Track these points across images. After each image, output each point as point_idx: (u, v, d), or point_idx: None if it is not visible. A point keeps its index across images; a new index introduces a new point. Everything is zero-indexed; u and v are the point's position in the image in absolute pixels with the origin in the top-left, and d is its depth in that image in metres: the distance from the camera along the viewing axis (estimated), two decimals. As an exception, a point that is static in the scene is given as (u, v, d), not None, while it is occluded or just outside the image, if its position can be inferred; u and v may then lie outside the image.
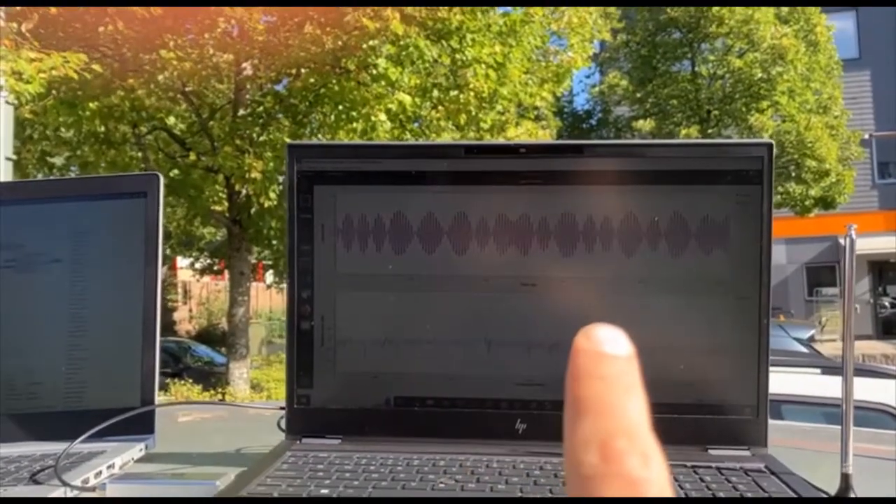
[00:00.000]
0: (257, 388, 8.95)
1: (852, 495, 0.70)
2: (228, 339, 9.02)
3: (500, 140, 7.42)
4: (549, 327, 0.86)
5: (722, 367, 0.85)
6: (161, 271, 0.98)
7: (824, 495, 0.71)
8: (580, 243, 0.86)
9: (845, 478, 0.71)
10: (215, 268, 16.12)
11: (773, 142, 0.85)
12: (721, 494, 0.69)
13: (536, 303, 0.86)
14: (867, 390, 3.04)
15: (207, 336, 16.24)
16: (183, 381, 9.63)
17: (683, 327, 0.85)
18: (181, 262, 17.66)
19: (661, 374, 0.85)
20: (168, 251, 15.43)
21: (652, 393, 0.80)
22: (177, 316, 18.46)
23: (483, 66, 7.54)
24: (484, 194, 0.87)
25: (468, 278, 0.87)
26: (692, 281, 0.85)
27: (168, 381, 9.89)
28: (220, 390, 8.12)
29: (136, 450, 0.89)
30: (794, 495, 0.69)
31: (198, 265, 16.39)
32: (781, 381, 3.09)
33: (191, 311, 19.14)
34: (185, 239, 13.40)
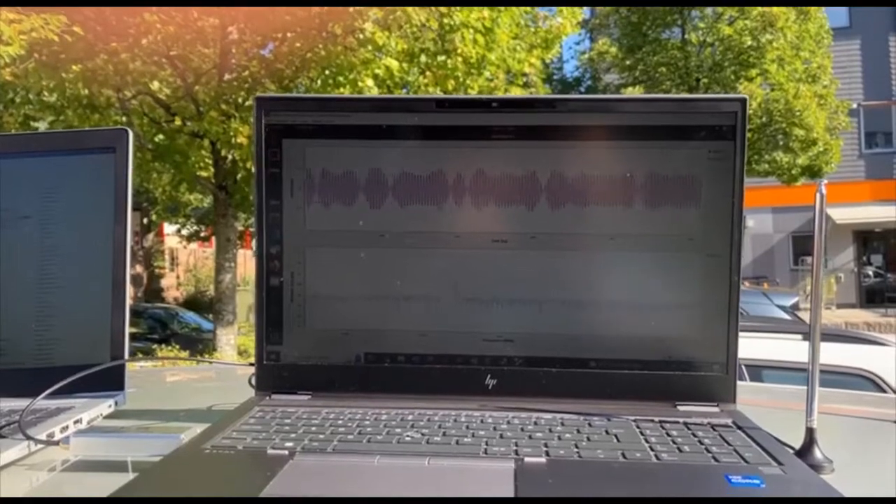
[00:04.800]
0: (244, 354, 8.96)
1: (817, 449, 0.70)
2: (215, 306, 9.01)
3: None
4: (520, 284, 0.86)
5: (692, 323, 0.85)
6: (130, 228, 0.97)
7: (789, 450, 0.71)
8: (551, 199, 0.85)
9: (810, 431, 0.71)
10: (202, 234, 16.05)
11: (747, 97, 0.84)
12: (686, 448, 0.69)
13: (507, 259, 0.86)
14: (847, 355, 3.07)
15: (195, 303, 16.22)
16: (170, 348, 9.65)
17: (654, 284, 0.85)
18: (168, 228, 17.57)
19: (631, 330, 0.85)
20: (154, 217, 15.37)
21: (622, 349, 0.80)
22: (164, 283, 18.42)
23: (471, 30, 7.47)
24: (455, 149, 0.86)
25: (439, 234, 0.86)
26: (663, 237, 0.84)
27: (155, 347, 9.90)
28: (207, 356, 8.13)
29: (105, 406, 0.89)
30: (758, 448, 0.69)
31: (184, 232, 16.29)
32: (763, 347, 3.12)
33: (178, 277, 19.08)
34: (171, 205, 13.30)
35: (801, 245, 18.83)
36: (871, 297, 18.53)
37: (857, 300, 18.53)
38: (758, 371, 3.00)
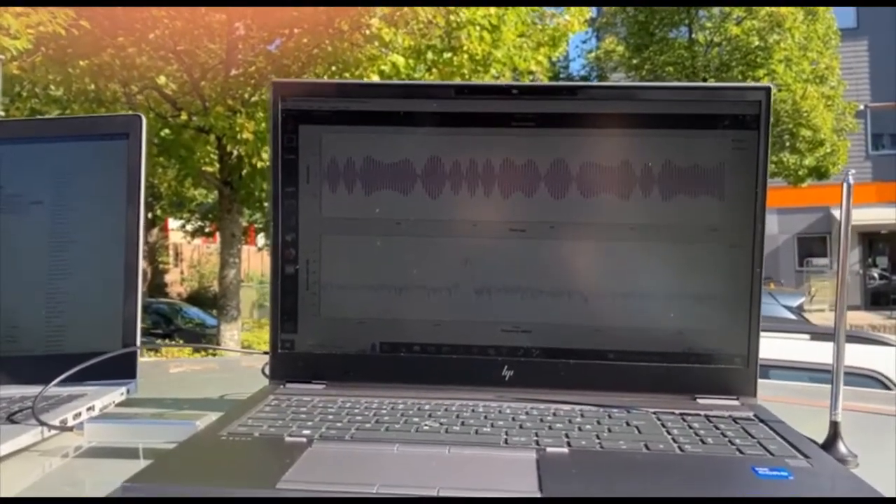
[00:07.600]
0: (248, 350, 8.96)
1: (841, 443, 0.69)
2: (219, 302, 9.00)
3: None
4: (538, 274, 0.85)
5: (713, 315, 0.83)
6: (143, 216, 0.96)
7: (814, 444, 0.70)
8: (571, 188, 0.84)
9: (834, 425, 0.70)
10: (206, 230, 16.07)
11: (772, 86, 0.83)
12: (709, 440, 0.68)
13: (525, 249, 0.85)
14: (856, 356, 3.05)
15: (199, 298, 16.24)
16: (174, 343, 9.65)
17: (675, 275, 0.84)
18: (172, 223, 17.58)
19: (650, 321, 0.84)
20: (159, 212, 15.37)
21: (641, 341, 0.78)
22: (168, 278, 18.44)
23: (477, 27, 7.46)
24: (474, 136, 0.85)
25: (456, 223, 0.85)
26: (684, 228, 0.83)
27: (159, 341, 9.91)
28: (210, 352, 8.12)
29: (118, 393, 0.88)
30: (782, 441, 0.68)
31: (189, 227, 16.32)
32: (770, 346, 3.10)
33: (182, 273, 19.10)
34: (175, 200, 13.31)
35: (807, 246, 18.79)
36: (877, 300, 18.47)
37: (862, 302, 18.47)
38: (765, 371, 2.98)
